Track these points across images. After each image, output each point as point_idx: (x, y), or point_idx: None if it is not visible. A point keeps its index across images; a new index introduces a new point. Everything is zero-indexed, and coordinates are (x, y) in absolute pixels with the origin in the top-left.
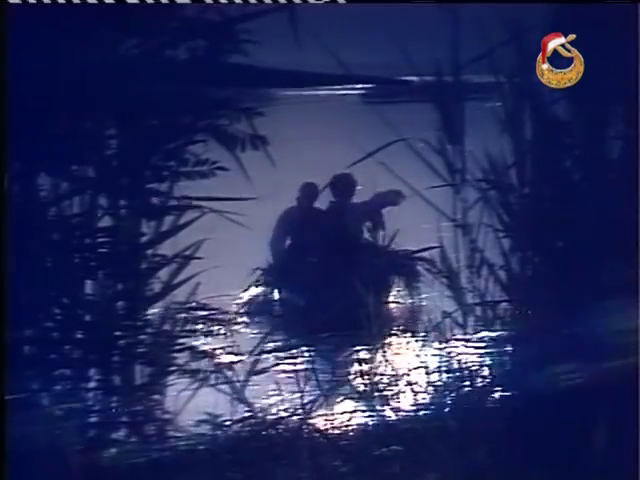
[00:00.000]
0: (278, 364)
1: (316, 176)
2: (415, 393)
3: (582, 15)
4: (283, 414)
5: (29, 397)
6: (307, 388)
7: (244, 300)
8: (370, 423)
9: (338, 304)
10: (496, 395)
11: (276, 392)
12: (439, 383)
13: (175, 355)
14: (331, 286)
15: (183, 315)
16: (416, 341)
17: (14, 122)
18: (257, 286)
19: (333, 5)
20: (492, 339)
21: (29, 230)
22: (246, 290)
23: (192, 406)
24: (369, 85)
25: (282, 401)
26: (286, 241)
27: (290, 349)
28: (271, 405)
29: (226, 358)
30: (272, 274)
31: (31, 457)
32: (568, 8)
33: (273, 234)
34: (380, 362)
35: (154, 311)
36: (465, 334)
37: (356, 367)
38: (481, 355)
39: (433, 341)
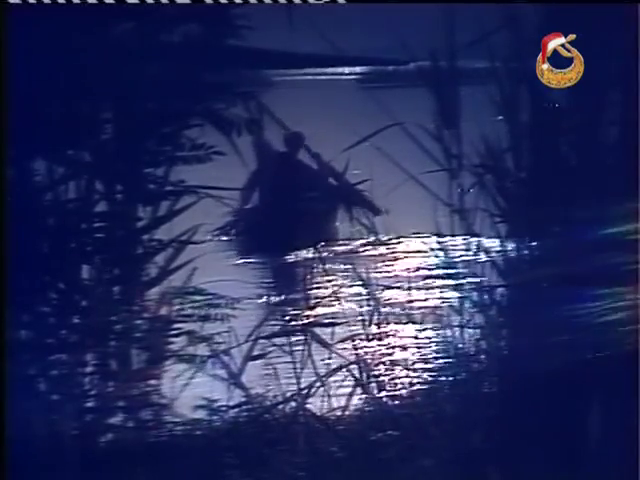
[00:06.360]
0: (275, 349)
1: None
2: (411, 377)
3: (582, 15)
4: (280, 399)
5: (26, 382)
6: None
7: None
8: (366, 408)
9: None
10: (492, 380)
11: (273, 377)
12: (435, 367)
13: (172, 340)
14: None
15: (179, 300)
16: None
17: (12, 107)
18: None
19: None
20: (488, 324)
21: (26, 215)
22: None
23: (189, 391)
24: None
25: (279, 386)
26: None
27: (287, 334)
28: (268, 390)
29: (223, 343)
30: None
31: (29, 441)
32: (568, 8)
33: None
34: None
35: (150, 296)
36: (461, 319)
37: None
38: (477, 340)
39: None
